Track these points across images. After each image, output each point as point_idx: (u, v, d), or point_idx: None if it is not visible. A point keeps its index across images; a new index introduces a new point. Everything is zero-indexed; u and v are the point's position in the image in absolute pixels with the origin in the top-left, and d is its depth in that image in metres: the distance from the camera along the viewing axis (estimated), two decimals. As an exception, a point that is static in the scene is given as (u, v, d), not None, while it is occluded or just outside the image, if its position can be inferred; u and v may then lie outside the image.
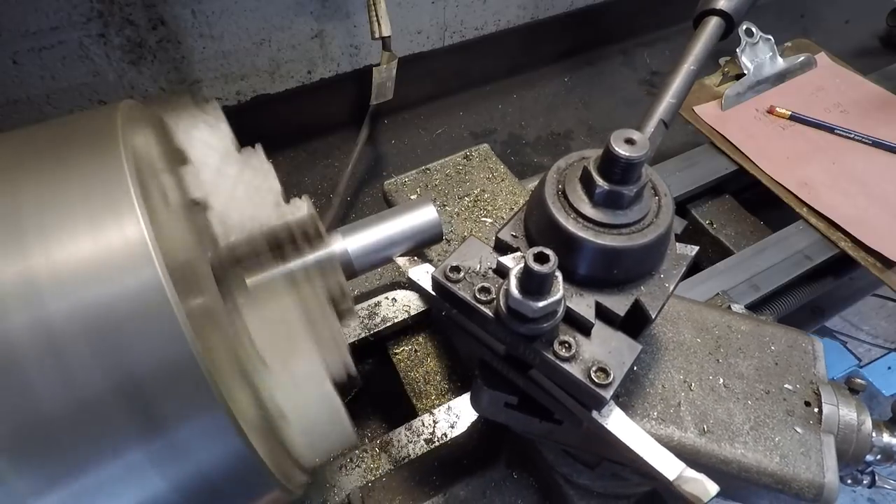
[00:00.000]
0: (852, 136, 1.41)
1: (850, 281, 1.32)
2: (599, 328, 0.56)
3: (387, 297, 1.03)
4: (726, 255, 1.24)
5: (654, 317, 0.57)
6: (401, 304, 1.02)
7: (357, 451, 0.87)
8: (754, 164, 1.36)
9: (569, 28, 1.78)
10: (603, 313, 0.57)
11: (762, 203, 1.36)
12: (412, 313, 1.02)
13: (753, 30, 1.46)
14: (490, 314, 0.55)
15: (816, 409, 0.68)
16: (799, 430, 0.66)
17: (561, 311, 0.53)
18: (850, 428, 0.68)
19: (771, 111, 1.47)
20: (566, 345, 0.54)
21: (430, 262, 0.70)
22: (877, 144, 1.39)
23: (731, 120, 1.45)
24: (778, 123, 1.45)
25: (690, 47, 0.71)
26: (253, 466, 0.44)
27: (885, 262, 1.18)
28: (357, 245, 0.68)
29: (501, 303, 0.53)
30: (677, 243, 0.62)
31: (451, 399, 0.93)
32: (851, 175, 1.34)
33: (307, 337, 0.55)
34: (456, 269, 0.58)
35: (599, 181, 0.55)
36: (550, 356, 0.53)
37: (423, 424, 0.89)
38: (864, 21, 2.04)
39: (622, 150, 0.52)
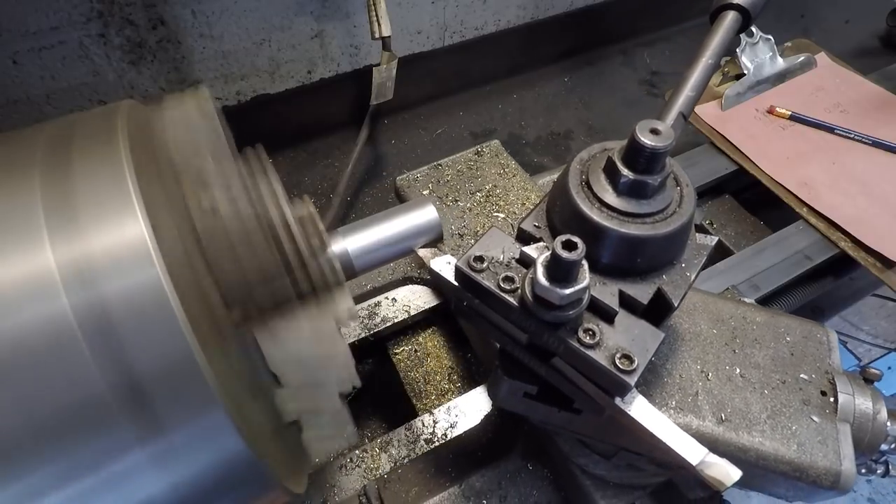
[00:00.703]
0: (852, 136, 1.41)
1: (850, 281, 1.32)
2: (622, 316, 0.57)
3: (387, 297, 1.03)
4: (726, 255, 1.24)
5: (676, 305, 0.58)
6: (401, 304, 1.02)
7: (357, 451, 0.87)
8: (754, 164, 1.36)
9: (569, 28, 1.78)
10: (626, 302, 0.57)
11: (762, 203, 1.36)
12: (412, 313, 1.02)
13: (753, 30, 1.46)
14: (514, 303, 0.56)
15: (832, 399, 0.69)
16: (815, 418, 0.67)
17: (586, 298, 0.53)
18: (865, 417, 0.68)
19: (771, 111, 1.47)
20: (590, 332, 0.54)
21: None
22: (877, 144, 1.39)
23: (731, 120, 1.45)
24: (778, 123, 1.45)
25: (708, 41, 0.71)
26: (253, 466, 0.44)
27: (885, 262, 1.18)
28: (357, 245, 0.68)
29: (527, 290, 0.54)
30: (697, 233, 0.62)
31: (451, 399, 0.93)
32: (851, 175, 1.34)
33: (309, 340, 0.55)
34: (479, 258, 0.59)
35: (624, 171, 0.56)
36: (575, 343, 0.54)
37: (423, 424, 0.89)
38: (864, 21, 2.04)
39: (647, 140, 0.53)
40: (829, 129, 1.43)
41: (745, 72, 1.48)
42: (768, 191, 1.32)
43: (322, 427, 0.56)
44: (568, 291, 0.50)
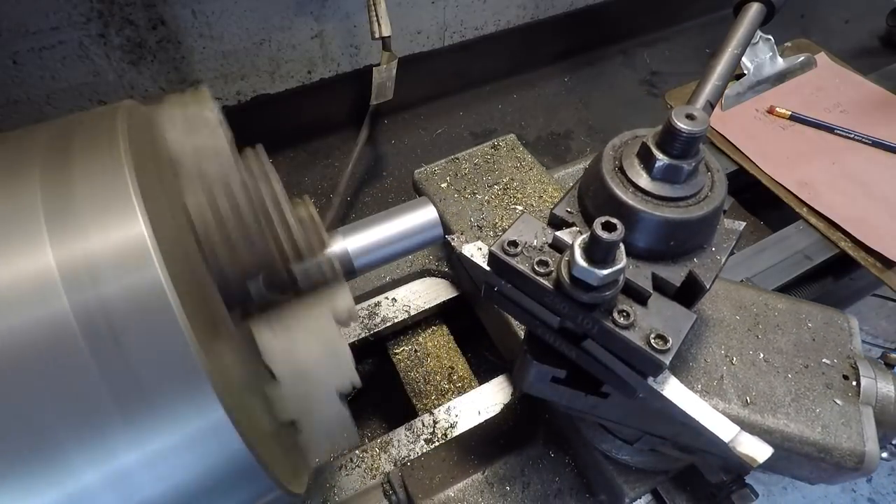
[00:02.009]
0: (852, 136, 1.41)
1: (850, 281, 1.32)
2: (655, 298, 0.58)
3: (387, 297, 1.04)
4: (726, 255, 1.24)
5: (708, 287, 0.59)
6: (401, 304, 1.02)
7: (357, 452, 0.87)
8: (754, 164, 1.36)
9: (569, 28, 1.78)
10: (658, 284, 0.59)
11: (762, 203, 1.36)
12: (412, 313, 1.02)
13: (753, 30, 1.46)
14: (549, 286, 0.57)
15: (854, 383, 0.70)
16: (838, 401, 0.68)
17: (622, 280, 0.55)
18: (887, 400, 0.69)
19: (771, 111, 1.47)
20: (624, 314, 0.55)
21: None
22: (877, 144, 1.39)
23: (731, 120, 1.45)
24: (778, 123, 1.45)
25: (733, 32, 0.72)
26: (254, 467, 0.44)
27: (885, 262, 1.18)
28: (357, 245, 0.69)
29: (563, 272, 0.55)
30: (725, 219, 0.64)
31: (451, 399, 0.93)
32: (851, 175, 1.34)
33: (310, 340, 0.55)
34: (513, 243, 0.60)
35: (659, 156, 0.57)
36: (610, 324, 0.55)
37: (423, 424, 0.89)
38: (864, 21, 2.04)
39: (684, 125, 0.55)
40: (829, 129, 1.43)
41: (745, 72, 1.48)
42: (768, 191, 1.32)
43: (322, 427, 0.56)
44: (606, 272, 0.52)
